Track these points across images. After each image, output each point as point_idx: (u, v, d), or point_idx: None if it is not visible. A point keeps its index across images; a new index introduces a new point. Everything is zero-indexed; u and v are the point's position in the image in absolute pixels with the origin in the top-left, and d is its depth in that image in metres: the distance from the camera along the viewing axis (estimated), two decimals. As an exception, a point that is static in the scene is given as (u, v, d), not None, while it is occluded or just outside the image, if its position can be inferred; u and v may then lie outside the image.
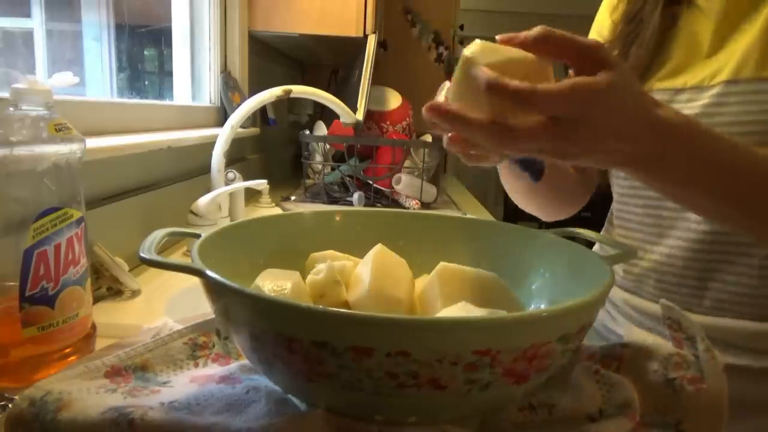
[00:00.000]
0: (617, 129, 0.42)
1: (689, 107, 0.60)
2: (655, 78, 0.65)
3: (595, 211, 0.91)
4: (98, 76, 1.25)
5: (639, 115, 0.43)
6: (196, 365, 0.44)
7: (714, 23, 0.60)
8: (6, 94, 0.46)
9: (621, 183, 0.70)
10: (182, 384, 0.41)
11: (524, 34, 0.41)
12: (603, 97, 0.40)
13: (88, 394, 0.37)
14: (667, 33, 0.65)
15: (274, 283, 0.45)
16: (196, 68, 1.42)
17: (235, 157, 1.44)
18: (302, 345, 0.31)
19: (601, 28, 0.74)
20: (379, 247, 0.49)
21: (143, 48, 1.44)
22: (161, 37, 1.40)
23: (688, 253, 0.62)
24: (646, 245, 0.67)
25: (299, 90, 1.11)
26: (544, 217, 0.81)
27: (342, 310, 0.36)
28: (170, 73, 1.39)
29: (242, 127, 1.12)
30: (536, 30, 0.41)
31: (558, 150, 0.42)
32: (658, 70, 0.65)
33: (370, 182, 1.44)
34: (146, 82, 1.46)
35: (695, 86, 0.61)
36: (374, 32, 1.57)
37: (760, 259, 0.58)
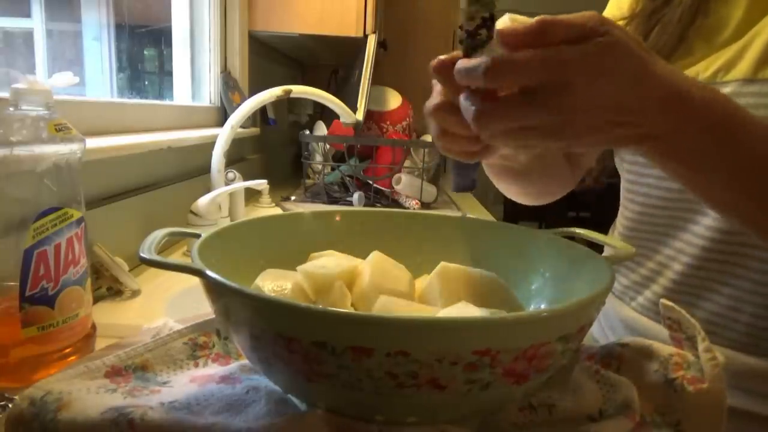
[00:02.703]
0: (609, 100, 0.37)
1: None
2: None
3: (595, 211, 0.91)
4: (98, 76, 1.25)
5: (641, 84, 0.38)
6: (196, 365, 0.44)
7: (742, 10, 0.54)
8: (6, 94, 0.46)
9: (624, 185, 0.67)
10: (182, 384, 0.41)
11: (519, 33, 0.37)
12: (584, 63, 0.36)
13: (88, 394, 0.37)
14: (696, 19, 0.58)
15: (274, 283, 0.45)
16: (196, 68, 1.42)
17: (235, 157, 1.44)
18: (302, 345, 0.31)
19: (621, 1, 0.67)
20: (375, 253, 0.50)
21: (143, 48, 1.44)
22: (161, 37, 1.40)
23: (685, 267, 0.58)
24: (646, 252, 0.63)
25: (299, 90, 1.11)
26: (527, 203, 0.79)
27: (341, 309, 0.36)
28: (170, 73, 1.39)
29: (242, 127, 1.12)
30: (534, 25, 0.37)
31: (542, 125, 0.37)
32: (678, 60, 0.58)
33: (370, 182, 1.44)
34: (146, 82, 1.46)
35: (707, 80, 0.55)
36: (374, 32, 1.57)
37: (756, 284, 0.53)
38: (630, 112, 0.38)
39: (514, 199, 0.78)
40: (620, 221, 0.69)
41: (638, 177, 0.64)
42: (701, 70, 0.56)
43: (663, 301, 0.43)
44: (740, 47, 0.53)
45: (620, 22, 0.64)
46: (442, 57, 0.42)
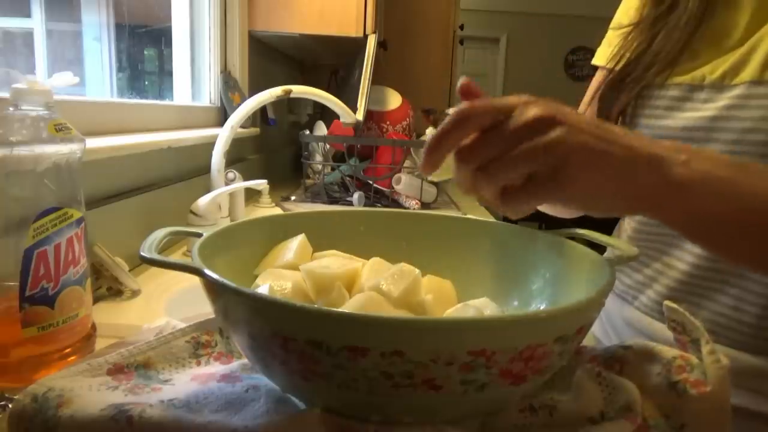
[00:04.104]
0: (595, 129, 0.39)
1: (706, 108, 0.56)
2: (674, 72, 0.59)
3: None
4: (98, 76, 1.26)
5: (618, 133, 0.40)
6: (198, 363, 0.44)
7: (749, 15, 0.55)
8: (6, 94, 0.46)
9: None
10: (183, 382, 0.41)
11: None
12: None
13: (89, 391, 0.37)
14: (702, 24, 0.58)
15: (275, 283, 0.45)
16: (196, 68, 1.42)
17: (235, 157, 1.44)
18: (297, 344, 0.31)
19: (629, 7, 0.68)
20: (375, 259, 0.50)
21: (143, 48, 1.44)
22: (161, 37, 1.41)
23: (690, 268, 0.58)
24: (652, 253, 0.63)
25: (299, 90, 1.11)
26: (555, 213, 0.78)
27: (336, 309, 0.36)
28: (170, 73, 1.39)
29: (242, 127, 1.12)
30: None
31: (547, 153, 0.37)
32: (683, 64, 0.59)
33: (370, 182, 1.44)
34: (146, 82, 1.46)
35: (715, 83, 0.56)
36: (374, 32, 1.57)
37: (761, 285, 0.54)
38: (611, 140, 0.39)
39: (543, 210, 0.77)
40: (628, 223, 0.68)
41: None
42: (707, 72, 0.57)
43: (667, 303, 0.42)
44: (747, 50, 0.54)
45: (626, 30, 0.65)
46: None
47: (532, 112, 0.37)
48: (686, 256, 0.59)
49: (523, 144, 0.37)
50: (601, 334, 0.72)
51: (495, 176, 0.38)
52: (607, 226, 0.75)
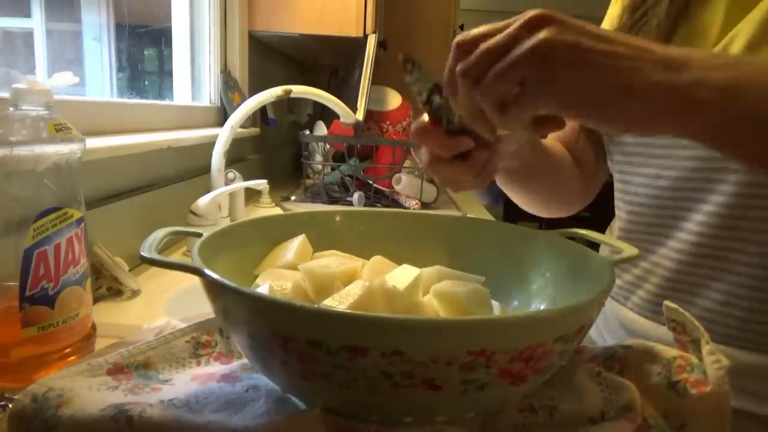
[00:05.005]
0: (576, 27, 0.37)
1: None
2: None
3: (595, 212, 0.91)
4: (98, 76, 1.26)
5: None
6: (198, 363, 0.44)
7: (723, 14, 0.56)
8: (6, 94, 0.46)
9: (616, 186, 0.68)
10: (183, 382, 0.41)
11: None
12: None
13: (89, 391, 0.37)
14: (678, 26, 0.60)
15: (275, 283, 0.46)
16: (196, 68, 1.42)
17: (235, 157, 1.44)
18: (297, 344, 0.31)
19: (612, 16, 0.70)
20: (376, 257, 0.50)
21: (143, 48, 1.44)
22: (161, 37, 1.41)
23: (678, 265, 0.59)
24: (641, 251, 0.62)
25: (299, 90, 1.11)
26: (543, 214, 0.79)
27: (336, 309, 0.36)
28: (170, 73, 1.39)
29: (242, 127, 1.12)
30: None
31: (534, 65, 0.36)
32: None
33: (370, 182, 1.44)
34: (146, 82, 1.46)
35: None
36: (374, 32, 1.57)
37: (749, 278, 0.54)
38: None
39: (527, 209, 0.77)
40: (617, 223, 0.69)
41: (629, 176, 0.65)
42: None
43: (666, 303, 0.43)
44: (723, 46, 0.55)
45: None
46: (416, 126, 0.46)
47: (524, 17, 0.36)
48: (673, 254, 0.60)
49: (513, 50, 0.36)
50: (596, 336, 0.72)
51: (487, 88, 0.37)
52: (605, 225, 0.75)
